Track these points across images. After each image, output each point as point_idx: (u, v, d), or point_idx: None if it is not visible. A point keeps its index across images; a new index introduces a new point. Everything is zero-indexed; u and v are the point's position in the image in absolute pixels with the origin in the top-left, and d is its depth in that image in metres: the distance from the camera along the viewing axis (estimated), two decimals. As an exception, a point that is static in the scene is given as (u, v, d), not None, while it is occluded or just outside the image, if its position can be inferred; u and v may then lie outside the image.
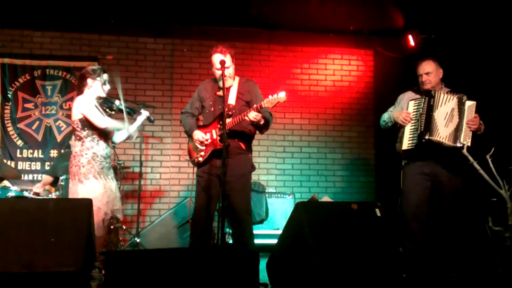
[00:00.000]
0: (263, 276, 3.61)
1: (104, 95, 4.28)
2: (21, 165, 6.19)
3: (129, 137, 4.43)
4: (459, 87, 4.43)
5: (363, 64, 7.15)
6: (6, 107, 6.22)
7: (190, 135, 4.36)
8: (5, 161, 6.04)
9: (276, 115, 6.68)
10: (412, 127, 4.30)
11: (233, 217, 4.25)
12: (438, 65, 4.42)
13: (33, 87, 6.32)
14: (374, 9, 6.01)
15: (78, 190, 4.06)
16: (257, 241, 4.47)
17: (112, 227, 5.44)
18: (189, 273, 3.01)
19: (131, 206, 6.36)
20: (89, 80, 4.23)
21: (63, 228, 3.19)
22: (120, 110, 4.24)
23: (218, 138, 4.14)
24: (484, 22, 5.61)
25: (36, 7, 5.88)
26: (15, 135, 6.21)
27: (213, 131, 4.21)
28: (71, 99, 6.10)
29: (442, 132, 4.18)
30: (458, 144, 4.17)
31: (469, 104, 4.24)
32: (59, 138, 6.28)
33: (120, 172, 5.74)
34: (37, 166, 6.23)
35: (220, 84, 4.15)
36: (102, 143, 4.20)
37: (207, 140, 4.21)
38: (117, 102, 4.26)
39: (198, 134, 4.24)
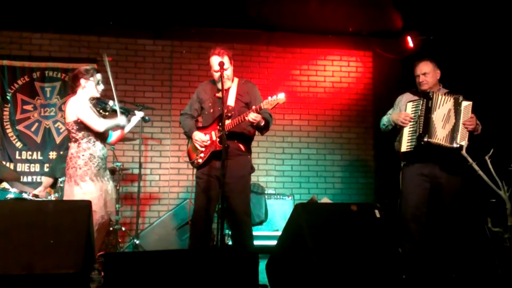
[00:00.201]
0: (263, 278, 3.60)
1: (98, 95, 4.24)
2: (20, 167, 6.19)
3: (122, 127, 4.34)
4: (458, 88, 4.44)
5: (362, 65, 7.15)
6: (5, 109, 6.22)
7: (189, 137, 4.36)
8: (4, 163, 6.04)
9: (275, 116, 6.65)
10: (411, 129, 4.30)
11: (233, 219, 4.25)
12: (435, 66, 4.42)
13: (32, 89, 6.32)
14: (373, 11, 6.02)
15: (74, 192, 4.02)
16: (256, 242, 4.47)
17: (111, 228, 5.44)
18: (188, 275, 3.01)
19: (130, 207, 6.36)
20: (82, 80, 4.19)
21: (62, 230, 3.18)
22: (114, 111, 4.21)
23: (218, 139, 4.14)
24: (483, 23, 5.61)
25: (35, 9, 5.87)
26: (14, 137, 6.20)
27: (213, 133, 4.21)
28: (70, 101, 6.09)
29: (440, 134, 4.19)
30: (455, 145, 4.18)
31: (466, 105, 4.24)
32: (58, 139, 6.27)
33: (119, 174, 5.73)
34: (36, 168, 6.22)
35: (219, 85, 4.16)
36: (98, 144, 4.17)
37: (206, 141, 4.21)
38: (110, 102, 4.22)
39: (197, 136, 4.24)
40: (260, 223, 5.84)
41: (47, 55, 6.40)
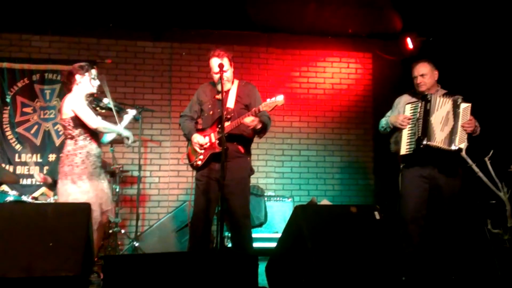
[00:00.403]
0: (262, 280, 3.61)
1: (94, 90, 4.23)
2: (19, 170, 6.17)
3: (128, 138, 4.33)
4: (458, 89, 4.43)
5: (361, 67, 7.15)
6: (4, 111, 6.21)
7: (189, 139, 4.37)
8: (3, 165, 6.03)
9: (275, 118, 6.68)
10: (410, 132, 4.29)
11: (232, 221, 4.25)
12: (433, 67, 4.40)
13: (32, 91, 6.31)
14: (373, 12, 6.01)
15: (70, 190, 3.98)
16: (256, 244, 4.47)
17: (110, 231, 5.44)
18: (188, 278, 3.01)
19: (130, 210, 6.35)
20: (77, 76, 4.18)
21: (62, 232, 3.19)
22: (109, 109, 4.22)
23: (217, 141, 4.14)
24: (483, 23, 5.61)
25: (34, 11, 5.87)
26: (14, 139, 6.19)
27: (212, 135, 4.21)
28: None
29: (439, 137, 4.18)
30: (453, 148, 4.17)
31: (464, 107, 4.23)
32: (57, 142, 6.26)
33: (119, 176, 5.73)
34: (36, 170, 6.19)
35: (219, 87, 4.16)
36: (94, 142, 4.16)
37: (206, 143, 4.21)
38: (105, 100, 4.25)
39: (197, 138, 4.24)
40: (260, 225, 5.84)
41: (46, 57, 6.40)
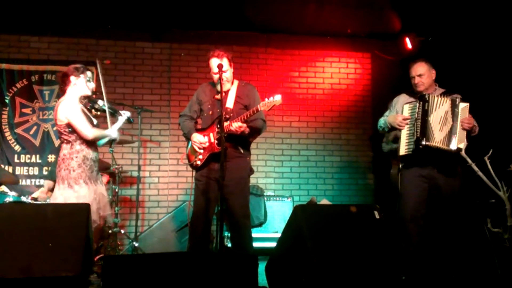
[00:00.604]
0: (262, 280, 3.60)
1: (89, 92, 4.19)
2: (18, 170, 6.17)
3: (114, 140, 4.29)
4: (457, 89, 4.43)
5: (360, 67, 7.16)
6: (3, 112, 6.21)
7: (188, 139, 4.37)
8: (2, 166, 6.03)
9: (274, 118, 6.71)
10: (408, 132, 4.29)
11: (232, 221, 4.25)
12: (430, 66, 4.40)
13: (31, 92, 6.31)
14: (372, 12, 6.02)
15: (67, 195, 3.95)
16: (255, 244, 4.47)
17: (110, 231, 5.43)
18: (188, 278, 3.01)
19: (130, 210, 6.35)
20: (72, 78, 4.13)
21: (61, 233, 3.18)
22: (103, 111, 4.19)
23: (216, 141, 4.14)
24: (481, 23, 5.62)
25: (33, 13, 5.87)
26: (13, 140, 6.19)
27: (211, 135, 4.21)
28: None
29: (437, 137, 4.17)
30: (453, 148, 4.16)
31: (463, 106, 4.22)
32: (57, 143, 6.25)
33: (118, 176, 5.73)
34: (35, 171, 6.21)
35: (218, 87, 4.16)
36: (91, 146, 4.12)
37: (205, 143, 4.21)
38: (100, 102, 4.21)
39: (195, 138, 4.24)
40: (260, 225, 5.84)
41: (45, 58, 6.40)
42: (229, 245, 5.11)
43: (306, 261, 3.23)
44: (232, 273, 3.10)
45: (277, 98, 3.92)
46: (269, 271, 3.66)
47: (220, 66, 4.02)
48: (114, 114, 4.33)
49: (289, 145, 6.90)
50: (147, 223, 6.35)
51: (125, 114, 4.39)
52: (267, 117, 4.43)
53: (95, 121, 4.23)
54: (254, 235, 4.47)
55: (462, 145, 4.18)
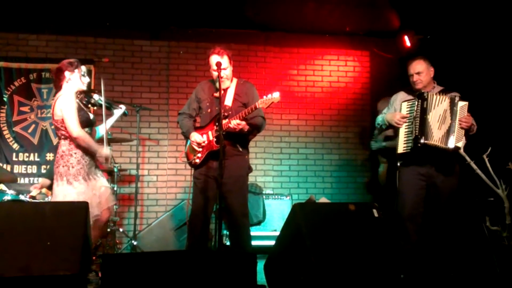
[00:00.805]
0: (261, 278, 3.60)
1: (84, 87, 4.15)
2: (17, 169, 6.16)
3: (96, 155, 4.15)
4: (456, 87, 4.43)
5: (359, 65, 7.15)
6: (1, 110, 6.20)
7: (187, 137, 4.36)
8: (0, 164, 6.01)
9: (272, 116, 6.70)
10: (407, 130, 4.29)
11: (230, 219, 4.25)
12: (429, 64, 4.39)
13: (29, 90, 6.29)
14: (370, 10, 6.02)
15: (66, 192, 3.92)
16: (254, 242, 4.47)
17: (108, 230, 5.43)
18: (186, 276, 3.00)
19: (128, 208, 6.34)
20: (66, 73, 4.09)
21: (60, 231, 3.17)
22: (100, 105, 4.16)
23: (215, 139, 4.14)
24: (480, 21, 5.62)
25: (31, 11, 5.86)
26: (11, 139, 6.18)
27: (210, 133, 4.20)
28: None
29: (436, 135, 4.17)
30: (451, 146, 4.16)
31: (461, 105, 4.22)
32: (55, 141, 6.24)
33: (116, 174, 5.71)
34: (33, 169, 6.20)
35: (217, 85, 4.15)
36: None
37: (203, 142, 4.21)
38: (96, 96, 4.18)
39: (194, 136, 4.24)
40: (258, 223, 5.83)
41: (43, 56, 6.38)
42: (228, 243, 5.11)
43: (304, 259, 3.23)
44: (230, 272, 3.10)
45: (275, 95, 3.92)
46: (267, 270, 3.66)
47: (218, 64, 4.02)
48: (110, 108, 4.31)
49: (288, 143, 6.89)
50: (146, 221, 6.35)
51: (121, 108, 4.38)
52: (265, 115, 4.42)
53: (91, 116, 4.20)
54: (252, 233, 4.47)
55: (460, 144, 4.19)
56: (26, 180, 6.16)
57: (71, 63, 4.14)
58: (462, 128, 4.19)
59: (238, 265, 3.16)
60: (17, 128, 6.22)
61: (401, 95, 4.51)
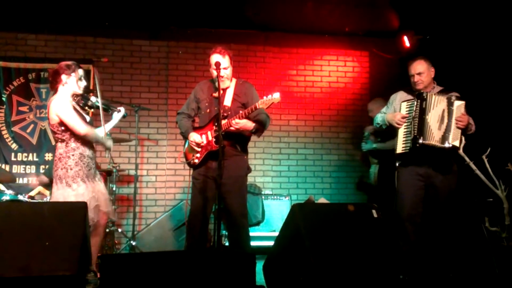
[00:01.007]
0: (260, 279, 3.60)
1: (80, 91, 4.12)
2: (15, 169, 6.15)
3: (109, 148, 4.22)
4: (456, 87, 4.43)
5: (358, 65, 7.15)
6: (0, 110, 6.19)
7: (186, 137, 4.35)
8: (-1, 164, 6.01)
9: (272, 116, 6.63)
10: (406, 130, 4.28)
11: (229, 220, 4.24)
12: (429, 64, 4.38)
13: (28, 90, 6.28)
14: (370, 10, 6.01)
15: (65, 194, 3.92)
16: (253, 243, 4.47)
17: (107, 230, 5.42)
18: (185, 276, 3.00)
19: (127, 209, 6.34)
20: (63, 76, 4.06)
21: (58, 231, 3.16)
22: (97, 107, 4.13)
23: (214, 139, 4.13)
24: (479, 21, 5.61)
25: (30, 10, 5.84)
26: (10, 139, 6.17)
27: (209, 133, 4.20)
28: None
29: (434, 135, 4.17)
30: (447, 145, 4.15)
31: (458, 104, 4.21)
32: (53, 141, 6.24)
33: (115, 175, 5.71)
34: (32, 169, 6.18)
35: (217, 85, 4.14)
36: (86, 143, 4.07)
37: (202, 142, 4.20)
38: (93, 98, 4.16)
39: (193, 136, 4.23)
40: (257, 223, 5.83)
41: (42, 56, 6.37)
42: (227, 243, 5.11)
43: (304, 260, 3.22)
44: (229, 272, 3.10)
45: (276, 96, 3.91)
46: (266, 270, 3.66)
47: (217, 64, 4.01)
48: (108, 110, 4.28)
49: (287, 144, 6.89)
50: (145, 221, 6.34)
51: (120, 111, 4.35)
52: (265, 116, 4.41)
53: (88, 118, 4.18)
54: (251, 234, 4.46)
55: (457, 143, 4.18)
56: (25, 180, 6.15)
57: (69, 66, 4.11)
58: (458, 128, 4.18)
59: (237, 265, 3.15)
60: (15, 128, 6.21)
61: (401, 95, 4.51)
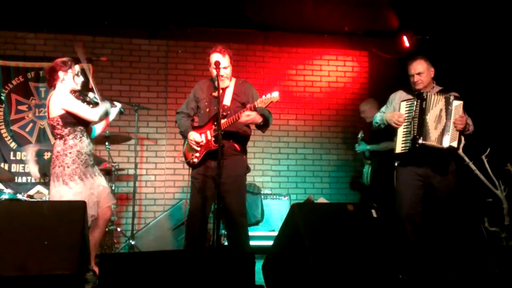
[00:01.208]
0: (259, 278, 3.59)
1: (77, 87, 4.12)
2: (14, 168, 6.15)
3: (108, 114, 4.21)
4: (455, 88, 4.42)
5: (358, 65, 7.15)
6: (-1, 109, 6.20)
7: (185, 136, 4.35)
8: (-2, 163, 6.01)
9: (271, 116, 6.69)
10: (405, 130, 4.28)
11: (228, 219, 4.24)
12: (429, 64, 4.37)
13: (27, 89, 6.28)
14: (369, 10, 6.02)
15: (62, 192, 3.92)
16: (252, 242, 4.46)
17: (106, 229, 5.41)
18: (184, 276, 2.99)
19: (126, 208, 6.33)
20: (60, 73, 4.06)
21: (57, 231, 3.16)
22: (96, 103, 4.14)
23: (213, 139, 4.13)
24: (479, 21, 5.61)
25: (29, 9, 5.84)
26: (9, 137, 6.17)
27: (208, 132, 4.19)
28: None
29: (433, 135, 4.16)
30: (445, 145, 4.15)
31: (456, 104, 4.21)
32: (53, 140, 6.22)
33: (114, 174, 5.70)
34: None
35: (216, 84, 4.14)
36: (85, 139, 4.06)
37: (201, 141, 4.20)
38: (91, 94, 4.17)
39: (192, 135, 4.22)
40: (256, 223, 5.83)
41: (41, 55, 6.36)
42: (226, 243, 5.11)
43: (303, 259, 3.22)
44: (229, 272, 3.09)
45: (275, 94, 3.91)
46: (266, 270, 3.65)
47: (216, 64, 4.01)
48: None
49: (286, 143, 6.89)
50: (144, 221, 6.34)
51: (117, 106, 4.34)
52: (265, 115, 4.41)
53: None
54: (251, 233, 4.46)
55: (455, 143, 4.17)
56: (24, 179, 6.15)
57: (65, 62, 4.11)
58: (456, 129, 4.17)
59: (236, 265, 3.15)
60: (14, 127, 6.21)
61: (400, 94, 4.50)
